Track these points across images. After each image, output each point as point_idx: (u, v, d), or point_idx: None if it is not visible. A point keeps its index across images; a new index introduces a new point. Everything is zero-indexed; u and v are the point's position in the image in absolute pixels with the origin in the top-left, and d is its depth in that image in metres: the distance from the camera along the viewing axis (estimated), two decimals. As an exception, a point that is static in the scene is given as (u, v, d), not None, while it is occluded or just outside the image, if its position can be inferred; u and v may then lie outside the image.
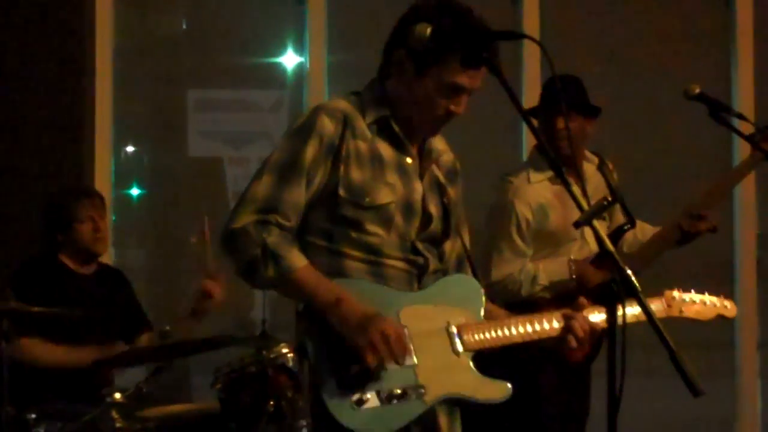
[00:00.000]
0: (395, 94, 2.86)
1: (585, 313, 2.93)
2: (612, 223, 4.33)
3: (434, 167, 2.97)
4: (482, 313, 2.91)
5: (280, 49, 5.96)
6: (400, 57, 2.81)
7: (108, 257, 5.19)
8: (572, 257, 4.22)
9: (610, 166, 4.42)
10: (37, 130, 5.29)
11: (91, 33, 5.41)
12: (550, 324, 2.92)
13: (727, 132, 3.91)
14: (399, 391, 2.71)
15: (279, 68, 6.01)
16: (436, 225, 2.92)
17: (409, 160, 2.89)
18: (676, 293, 3.21)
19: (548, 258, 4.24)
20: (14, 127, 5.31)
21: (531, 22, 5.55)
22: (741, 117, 3.95)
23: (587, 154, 4.38)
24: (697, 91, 3.76)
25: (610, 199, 2.50)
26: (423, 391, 2.74)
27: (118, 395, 3.70)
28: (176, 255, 5.97)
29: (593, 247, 4.14)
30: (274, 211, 2.74)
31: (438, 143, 3.01)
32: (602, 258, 4.05)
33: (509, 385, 2.86)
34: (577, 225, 2.48)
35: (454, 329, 2.83)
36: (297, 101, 5.74)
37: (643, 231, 4.40)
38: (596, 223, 2.45)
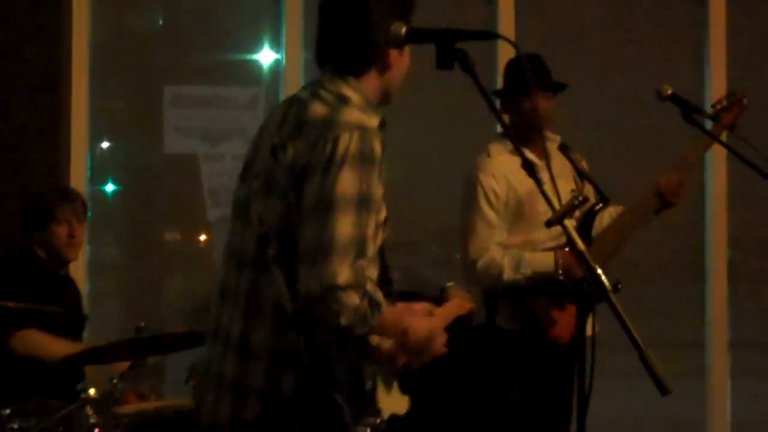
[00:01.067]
0: (375, 85, 2.76)
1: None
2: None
3: None
4: None
5: (256, 46, 5.97)
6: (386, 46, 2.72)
7: (83, 254, 5.19)
8: (552, 244, 4.21)
9: (578, 156, 4.46)
10: (13, 126, 5.28)
11: (68, 29, 5.40)
12: None
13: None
14: (378, 421, 2.74)
15: (255, 65, 6.02)
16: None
17: None
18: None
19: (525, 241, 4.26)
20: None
21: (506, 23, 5.58)
22: (712, 118, 4.00)
23: (548, 134, 4.42)
24: (669, 92, 3.79)
25: (580, 198, 2.53)
26: (381, 418, 2.78)
27: (92, 391, 3.70)
28: (151, 252, 5.98)
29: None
30: (362, 254, 2.55)
31: None
32: (585, 227, 4.12)
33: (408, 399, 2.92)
34: (549, 224, 2.51)
35: None
36: (273, 98, 5.75)
37: (611, 214, 4.40)
38: (567, 222, 2.47)
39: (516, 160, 4.17)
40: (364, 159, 2.56)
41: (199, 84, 6.04)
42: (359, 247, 2.53)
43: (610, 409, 4.81)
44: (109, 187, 6.05)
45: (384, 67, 2.74)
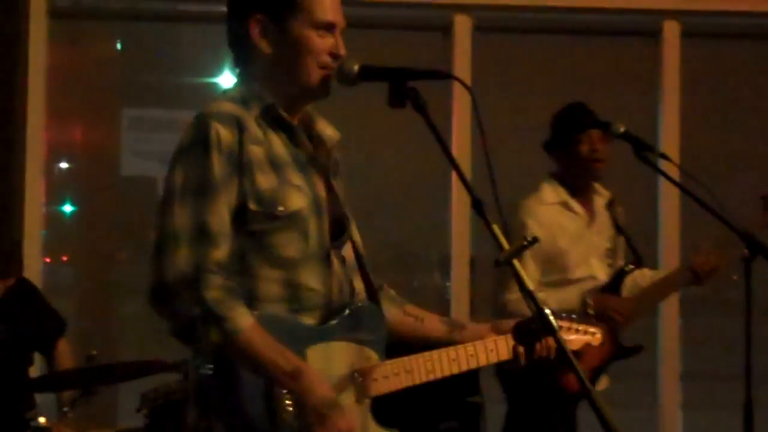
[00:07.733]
0: (268, 71, 2.62)
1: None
2: (618, 262, 4.42)
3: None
4: (384, 344, 2.70)
5: (215, 70, 5.97)
6: (261, 22, 2.59)
7: (38, 272, 5.17)
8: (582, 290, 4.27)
9: (619, 208, 4.48)
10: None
11: (24, 50, 5.38)
12: (487, 352, 2.78)
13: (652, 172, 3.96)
14: None
15: (214, 88, 6.02)
16: (348, 228, 2.76)
17: (303, 152, 2.65)
18: None
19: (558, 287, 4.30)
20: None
21: (462, 61, 5.54)
22: (664, 157, 4.02)
23: (598, 187, 4.45)
24: (622, 129, 3.80)
25: (529, 239, 2.51)
26: None
27: (42, 419, 3.68)
28: (106, 273, 5.95)
29: (603, 279, 4.31)
30: (205, 243, 2.42)
31: (327, 128, 2.76)
32: (614, 283, 4.22)
33: None
34: (497, 264, 2.48)
35: (356, 375, 2.60)
36: (232, 123, 5.73)
37: (643, 276, 4.41)
38: (516, 263, 2.47)
39: (568, 215, 4.24)
40: (196, 145, 2.47)
41: (157, 107, 6.04)
42: (196, 236, 2.42)
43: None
44: (67, 208, 6.03)
45: (257, 43, 2.59)
